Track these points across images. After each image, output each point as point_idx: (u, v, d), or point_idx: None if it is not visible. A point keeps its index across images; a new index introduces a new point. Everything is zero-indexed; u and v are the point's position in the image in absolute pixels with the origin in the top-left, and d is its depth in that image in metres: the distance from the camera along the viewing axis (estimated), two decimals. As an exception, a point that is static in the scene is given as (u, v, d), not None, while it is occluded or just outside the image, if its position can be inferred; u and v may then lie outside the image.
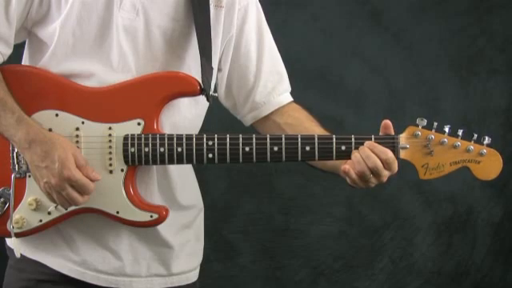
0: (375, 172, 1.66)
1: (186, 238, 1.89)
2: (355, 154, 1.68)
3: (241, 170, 3.16)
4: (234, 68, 1.90)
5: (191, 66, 1.80)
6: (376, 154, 1.66)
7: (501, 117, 3.28)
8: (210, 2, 1.81)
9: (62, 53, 1.75)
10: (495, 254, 3.30)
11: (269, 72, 1.91)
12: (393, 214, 3.29)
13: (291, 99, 1.95)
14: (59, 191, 1.66)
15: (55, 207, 1.72)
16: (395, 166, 1.68)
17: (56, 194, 1.67)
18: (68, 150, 1.67)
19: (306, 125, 1.87)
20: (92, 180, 1.68)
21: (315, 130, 1.84)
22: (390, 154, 1.67)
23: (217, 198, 3.19)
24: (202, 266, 1.97)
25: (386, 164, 1.67)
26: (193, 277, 1.93)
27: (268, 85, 1.91)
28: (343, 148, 1.70)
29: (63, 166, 1.65)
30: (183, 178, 1.86)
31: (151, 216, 1.73)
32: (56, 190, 1.66)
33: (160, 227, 1.78)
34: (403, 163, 1.71)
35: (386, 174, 1.68)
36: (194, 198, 1.94)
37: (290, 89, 1.96)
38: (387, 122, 1.72)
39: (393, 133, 1.71)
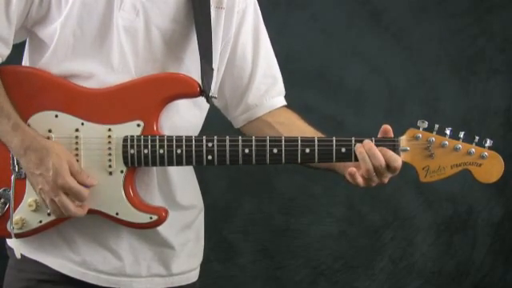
0: (379, 171, 1.67)
1: (187, 238, 1.89)
2: (360, 150, 1.68)
3: (241, 169, 3.16)
4: (229, 69, 1.90)
5: (190, 68, 1.79)
6: (381, 153, 1.67)
7: (501, 117, 3.28)
8: (211, 4, 1.81)
9: (62, 53, 1.75)
10: (495, 254, 3.30)
11: (263, 74, 1.91)
12: (393, 214, 3.29)
13: (284, 103, 1.95)
14: (52, 198, 1.66)
15: (48, 214, 1.73)
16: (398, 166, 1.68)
17: (49, 200, 1.67)
18: (62, 157, 1.67)
19: (298, 123, 1.89)
20: (88, 185, 1.68)
21: (308, 129, 1.86)
22: (396, 156, 1.67)
23: (217, 198, 3.18)
24: (201, 266, 1.97)
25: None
26: (193, 277, 1.93)
27: (261, 87, 1.91)
28: (343, 150, 1.70)
29: (57, 173, 1.65)
30: (183, 179, 1.86)
31: (151, 218, 1.73)
32: (49, 196, 1.66)
33: (160, 227, 1.77)
34: (403, 164, 1.70)
35: (388, 174, 1.68)
36: (195, 198, 1.93)
37: (284, 92, 1.96)
38: (387, 126, 1.71)
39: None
